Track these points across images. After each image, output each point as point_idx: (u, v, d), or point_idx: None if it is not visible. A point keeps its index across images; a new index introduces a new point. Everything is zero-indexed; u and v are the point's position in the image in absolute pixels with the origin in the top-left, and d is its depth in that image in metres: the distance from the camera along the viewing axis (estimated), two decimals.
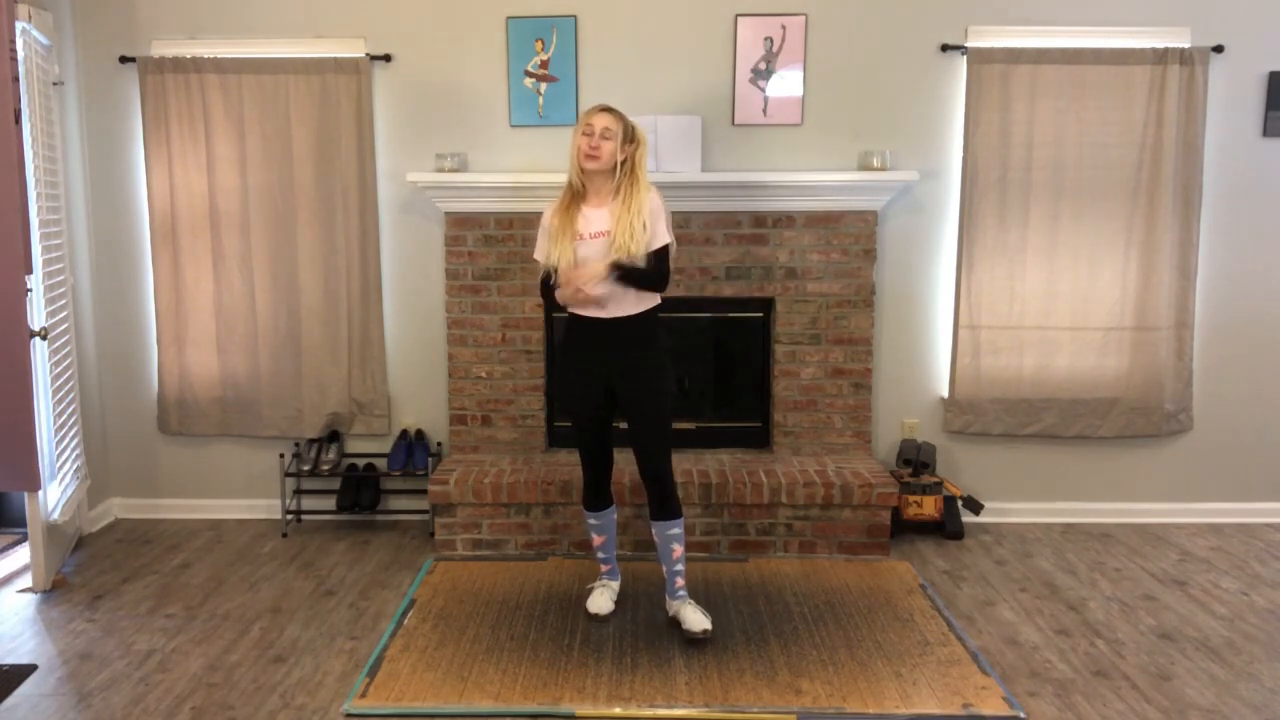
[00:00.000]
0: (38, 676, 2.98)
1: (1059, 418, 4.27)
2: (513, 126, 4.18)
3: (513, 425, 4.28)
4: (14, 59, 3.41)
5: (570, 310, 3.19)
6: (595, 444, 3.31)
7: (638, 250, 3.06)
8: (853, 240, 4.17)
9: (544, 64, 4.13)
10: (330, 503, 4.38)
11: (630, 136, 3.14)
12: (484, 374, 4.26)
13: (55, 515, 3.67)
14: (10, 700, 2.84)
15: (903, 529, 4.18)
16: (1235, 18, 4.09)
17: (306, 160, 4.15)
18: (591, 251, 3.11)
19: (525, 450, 4.28)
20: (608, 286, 3.08)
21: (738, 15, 4.09)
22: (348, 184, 4.17)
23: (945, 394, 4.33)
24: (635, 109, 4.05)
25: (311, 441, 4.33)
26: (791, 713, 2.77)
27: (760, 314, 4.29)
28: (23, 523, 3.83)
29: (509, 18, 4.10)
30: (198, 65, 4.09)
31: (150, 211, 4.19)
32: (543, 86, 4.14)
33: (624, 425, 3.24)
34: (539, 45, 4.11)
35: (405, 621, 3.33)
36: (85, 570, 3.82)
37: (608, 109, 3.14)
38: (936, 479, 4.21)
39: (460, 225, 4.17)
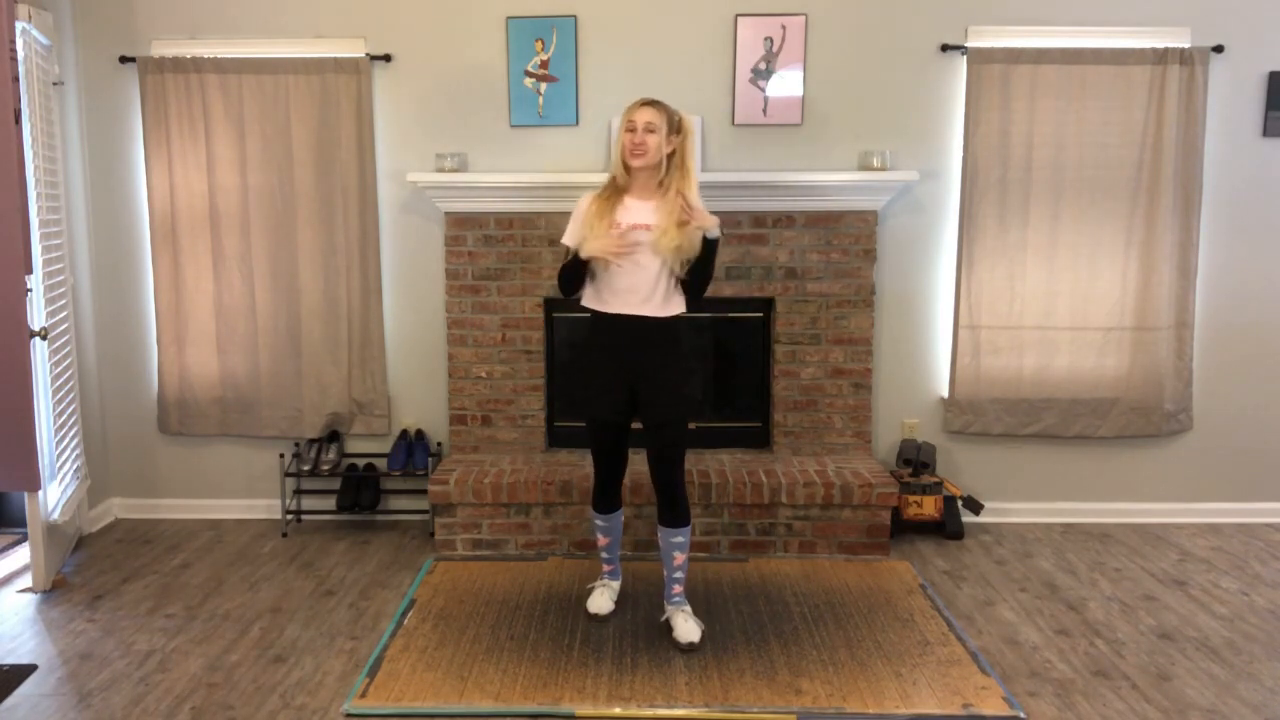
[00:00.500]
0: (38, 676, 2.98)
1: (1059, 418, 4.27)
2: (513, 127, 4.18)
3: (513, 425, 4.28)
4: (14, 59, 3.41)
5: (597, 308, 3.11)
6: (612, 446, 3.25)
7: (688, 247, 3.01)
8: (853, 240, 4.17)
9: (544, 64, 4.13)
10: (330, 503, 4.38)
11: (676, 127, 3.06)
12: (484, 374, 4.26)
13: (55, 515, 3.67)
14: (10, 700, 2.84)
15: (903, 529, 4.18)
16: (1235, 18, 4.09)
17: (306, 160, 4.15)
18: (634, 241, 3.01)
19: (525, 450, 4.28)
20: (655, 278, 3.02)
21: (738, 15, 4.09)
22: (348, 184, 4.17)
23: (945, 394, 4.33)
24: None
25: (311, 441, 4.33)
26: (791, 713, 2.77)
27: (760, 314, 4.29)
28: (23, 523, 3.83)
29: (509, 18, 4.10)
30: (198, 65, 4.09)
31: (150, 211, 4.19)
32: (543, 86, 4.14)
33: (636, 425, 3.19)
34: (539, 45, 4.11)
35: (405, 621, 3.33)
36: (85, 570, 3.82)
37: (650, 102, 3.05)
38: (936, 479, 4.21)
39: (460, 225, 4.17)
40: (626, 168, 3.07)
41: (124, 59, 4.13)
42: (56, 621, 3.36)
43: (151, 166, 4.16)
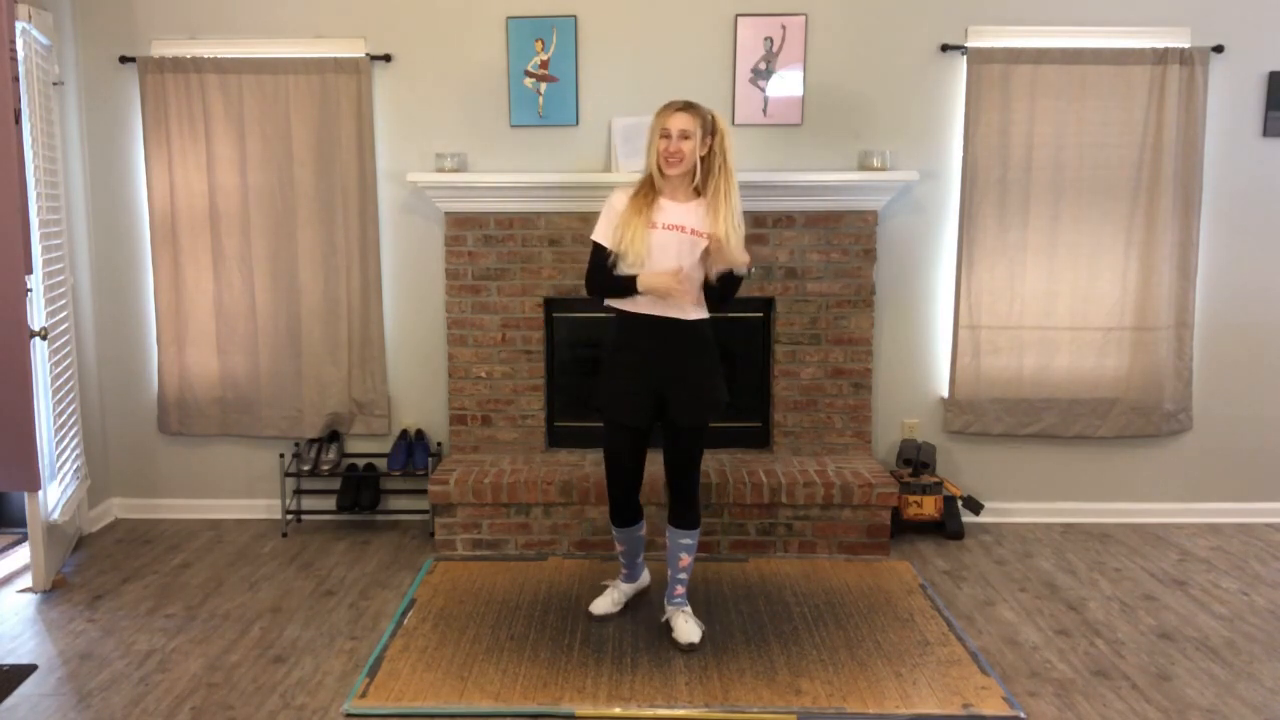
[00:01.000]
0: (38, 676, 2.98)
1: (1059, 418, 4.27)
2: (513, 126, 4.18)
3: (513, 425, 4.28)
4: (14, 59, 3.41)
5: (625, 309, 3.07)
6: (633, 454, 3.15)
7: (739, 243, 2.98)
8: (853, 240, 4.17)
9: (544, 64, 4.13)
10: (330, 503, 4.38)
11: (711, 128, 2.99)
12: (484, 374, 4.26)
13: (55, 515, 3.67)
14: (10, 700, 2.84)
15: (903, 529, 4.18)
16: (1235, 18, 4.09)
17: (306, 160, 4.15)
18: (664, 243, 2.99)
19: (525, 450, 4.28)
20: (687, 281, 2.99)
21: (738, 15, 4.09)
22: (348, 184, 4.17)
23: (945, 394, 4.33)
24: (635, 109, 4.07)
25: (311, 441, 4.33)
26: (791, 713, 2.77)
27: (760, 314, 4.29)
28: (23, 523, 3.83)
29: (509, 18, 4.10)
30: (198, 65, 4.09)
31: (150, 211, 4.19)
32: (543, 86, 4.14)
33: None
34: (539, 45, 4.11)
35: (405, 621, 3.33)
36: (85, 570, 3.82)
37: (683, 107, 2.98)
38: (936, 479, 4.21)
39: (460, 225, 4.17)
40: (661, 173, 3.01)
41: (124, 59, 4.13)
42: (56, 621, 3.36)
43: (151, 166, 4.16)
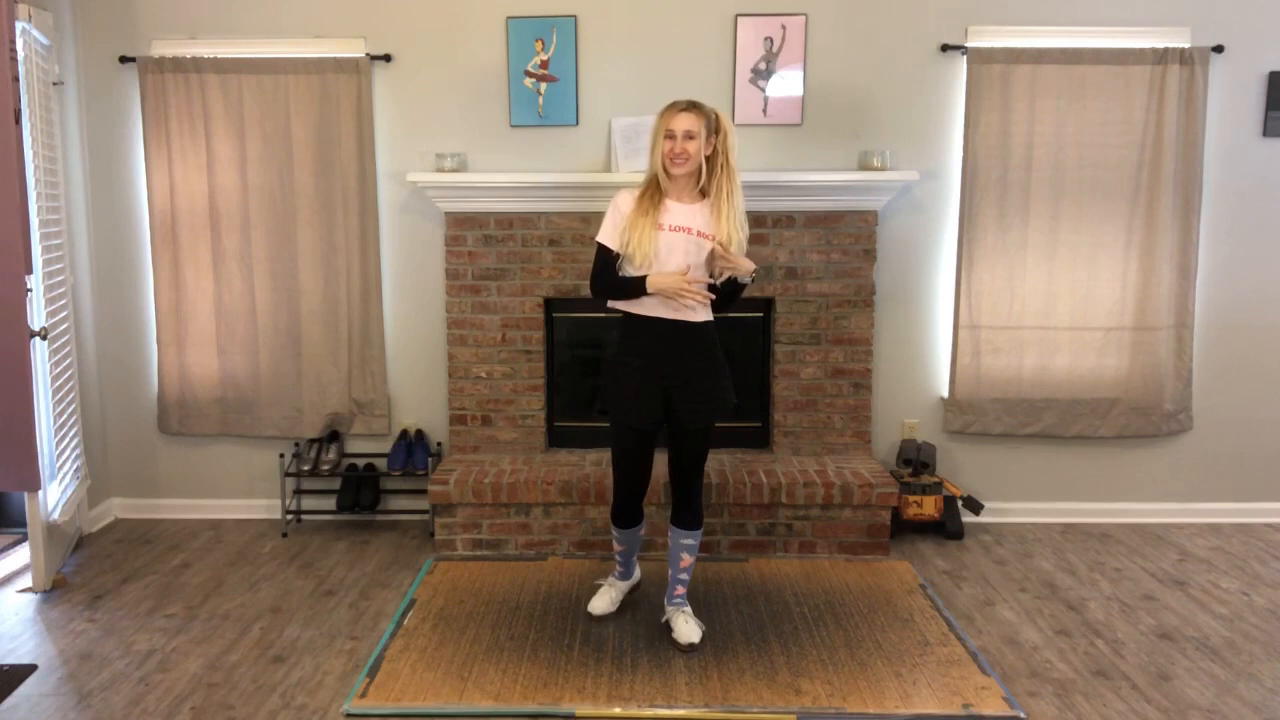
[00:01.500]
0: (38, 676, 2.98)
1: (1059, 418, 4.27)
2: (513, 126, 4.18)
3: (513, 425, 4.28)
4: (14, 59, 3.41)
5: (632, 311, 3.06)
6: (642, 456, 3.15)
7: (743, 248, 2.99)
8: (853, 240, 4.17)
9: (544, 64, 4.13)
10: (330, 503, 4.38)
11: (715, 127, 2.98)
12: (484, 374, 4.26)
13: (55, 515, 3.67)
14: (10, 700, 2.84)
15: (903, 529, 4.18)
16: (1235, 18, 4.09)
17: (306, 160, 4.15)
18: (671, 244, 2.98)
19: (525, 450, 4.28)
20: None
21: (738, 15, 4.09)
22: (348, 184, 4.17)
23: (945, 394, 4.33)
24: (635, 109, 4.07)
25: (311, 441, 4.33)
26: (791, 713, 2.77)
27: (760, 314, 4.29)
28: (23, 523, 3.84)
29: (509, 18, 4.10)
30: (198, 65, 4.09)
31: (150, 211, 4.19)
32: (543, 86, 4.14)
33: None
34: (539, 45, 4.11)
35: (405, 621, 3.33)
36: (85, 570, 3.82)
37: (688, 106, 2.96)
38: (936, 479, 4.21)
39: (460, 225, 4.17)
40: (666, 172, 3.00)
41: (124, 59, 4.13)
42: (56, 621, 3.36)
43: (151, 166, 4.16)
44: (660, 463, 3.37)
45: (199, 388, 4.30)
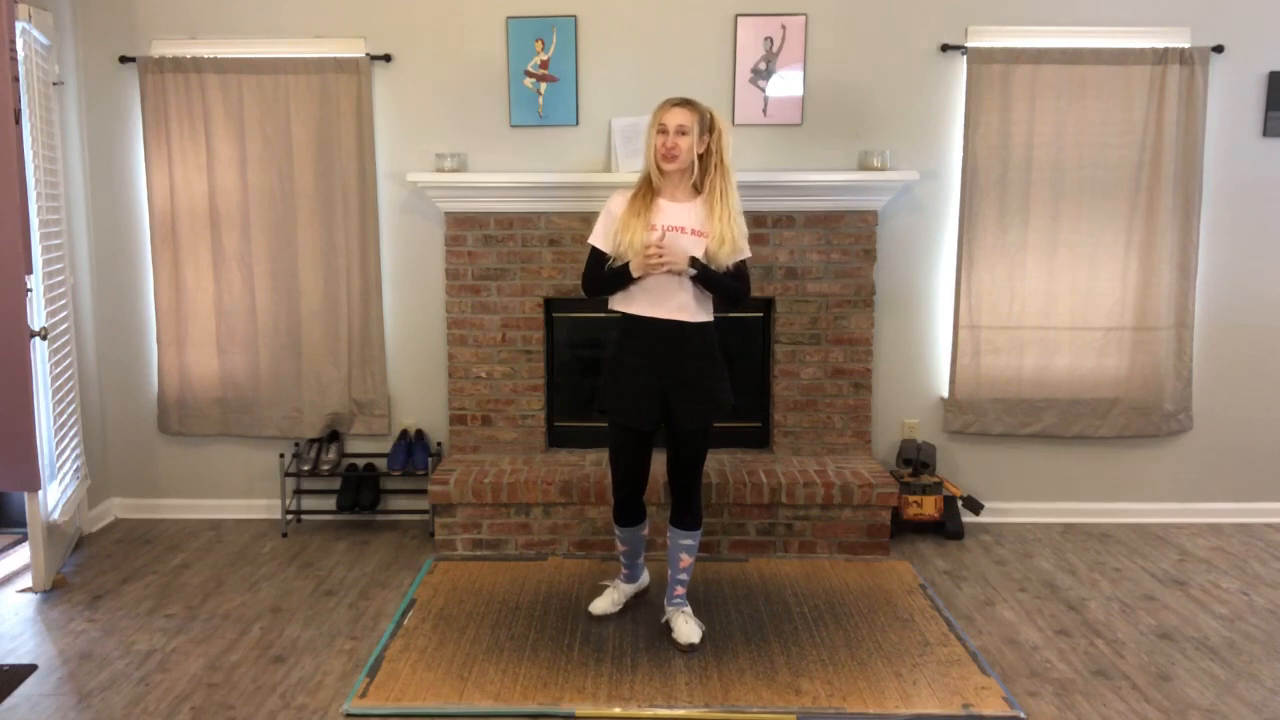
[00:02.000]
0: (38, 676, 2.98)
1: (1059, 418, 4.27)
2: (513, 126, 4.18)
3: (513, 425, 4.28)
4: (14, 59, 3.40)
5: (629, 312, 3.06)
6: (639, 455, 3.16)
7: (742, 246, 2.97)
8: (853, 240, 4.17)
9: (544, 64, 4.13)
10: (330, 503, 4.38)
11: (709, 126, 2.98)
12: (484, 374, 4.26)
13: (55, 515, 3.67)
14: (10, 700, 2.84)
15: (903, 529, 4.18)
16: (1235, 18, 4.09)
17: (306, 160, 4.15)
18: (666, 245, 2.96)
19: (525, 450, 4.28)
20: (687, 285, 2.99)
21: (738, 15, 4.09)
22: (348, 184, 4.17)
23: (945, 394, 4.33)
24: (635, 109, 4.07)
25: (311, 441, 4.33)
26: (791, 713, 2.77)
27: (760, 314, 4.29)
28: (23, 523, 3.83)
29: (509, 18, 4.10)
30: (198, 65, 4.09)
31: (150, 211, 4.19)
32: (543, 86, 4.14)
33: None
34: (539, 45, 4.11)
35: (405, 621, 3.33)
36: (85, 570, 3.82)
37: (681, 103, 2.97)
38: (936, 479, 4.21)
39: (460, 225, 4.17)
40: (659, 170, 3.00)
41: (124, 59, 4.13)
42: (56, 621, 3.36)
43: (151, 166, 4.16)
44: (659, 462, 3.37)
45: (199, 388, 4.30)
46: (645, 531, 3.33)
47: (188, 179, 4.17)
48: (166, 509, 4.43)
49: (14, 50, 3.42)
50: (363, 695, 2.85)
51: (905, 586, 3.63)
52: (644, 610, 3.40)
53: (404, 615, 3.38)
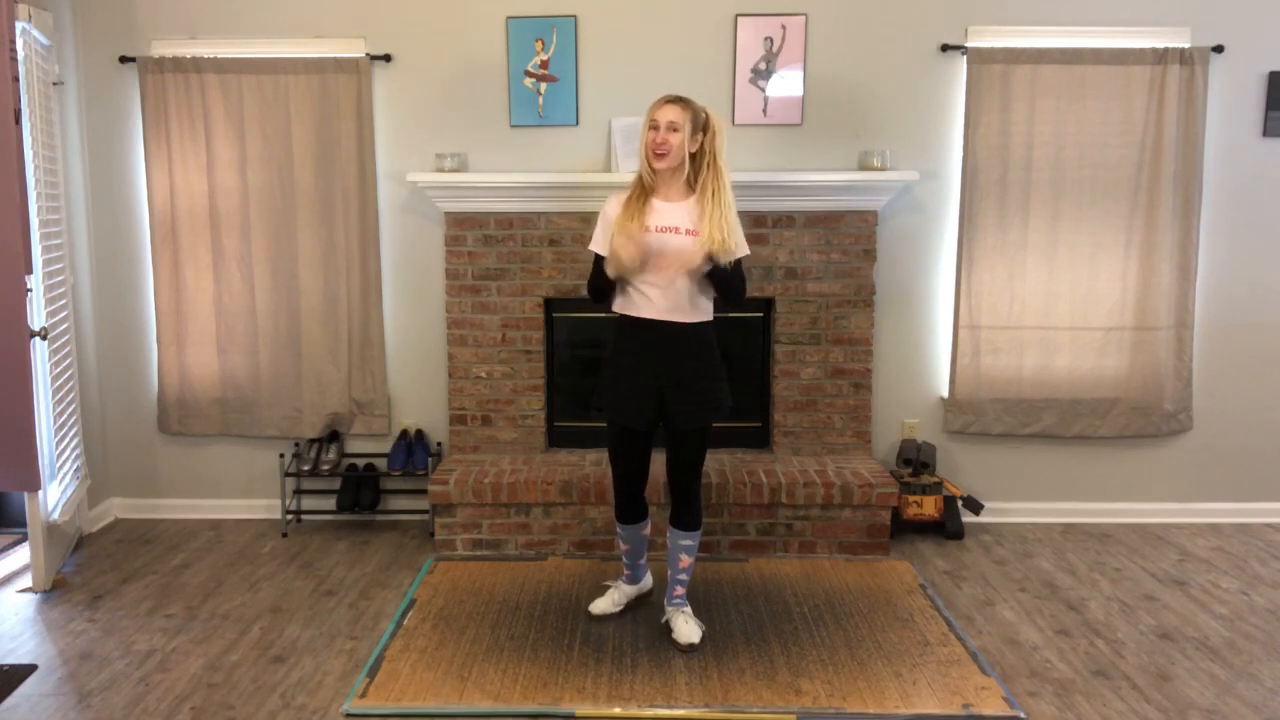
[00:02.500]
0: (38, 676, 2.98)
1: (1059, 418, 4.27)
2: (513, 126, 4.18)
3: (513, 425, 4.28)
4: (14, 59, 3.41)
5: (627, 312, 3.05)
6: (637, 454, 3.16)
7: (733, 248, 2.94)
8: (853, 240, 4.17)
9: (544, 64, 4.13)
10: (330, 503, 4.38)
11: (702, 124, 2.95)
12: (484, 374, 4.26)
13: (55, 515, 3.67)
14: (10, 700, 2.84)
15: (903, 529, 4.18)
16: (1235, 18, 4.09)
17: (306, 160, 4.15)
18: (660, 247, 2.95)
19: (525, 450, 4.28)
20: (685, 284, 2.98)
21: (738, 15, 4.09)
22: (348, 184, 4.17)
23: (945, 394, 4.33)
24: (635, 109, 4.06)
25: (311, 441, 4.33)
26: (791, 713, 2.77)
27: (760, 314, 4.29)
28: (23, 523, 3.83)
29: (509, 18, 4.10)
30: (198, 65, 4.09)
31: (150, 211, 4.19)
32: (543, 86, 4.14)
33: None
34: (539, 45, 4.11)
35: (405, 621, 3.33)
36: (85, 570, 3.82)
37: (673, 100, 2.95)
38: (936, 479, 4.21)
39: (460, 225, 4.17)
40: (652, 169, 2.98)
41: (124, 59, 4.13)
42: (56, 621, 3.36)
43: (151, 166, 4.16)
44: (660, 462, 3.37)
45: (199, 388, 4.30)
46: (647, 531, 3.32)
47: (188, 179, 4.17)
48: (166, 509, 4.43)
49: (14, 50, 3.42)
50: (363, 695, 2.85)
51: (905, 586, 3.63)
52: (644, 610, 3.40)
53: (404, 615, 3.38)
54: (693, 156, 2.98)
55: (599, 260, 3.08)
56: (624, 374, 3.09)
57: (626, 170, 4.05)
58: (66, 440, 3.85)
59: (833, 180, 4.04)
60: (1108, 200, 4.14)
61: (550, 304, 4.25)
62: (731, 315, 4.27)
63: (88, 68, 4.17)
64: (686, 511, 3.18)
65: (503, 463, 4.15)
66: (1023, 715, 2.76)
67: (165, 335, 4.26)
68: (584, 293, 3.25)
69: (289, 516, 4.33)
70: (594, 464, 4.11)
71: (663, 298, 3.00)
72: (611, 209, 3.05)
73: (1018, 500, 4.39)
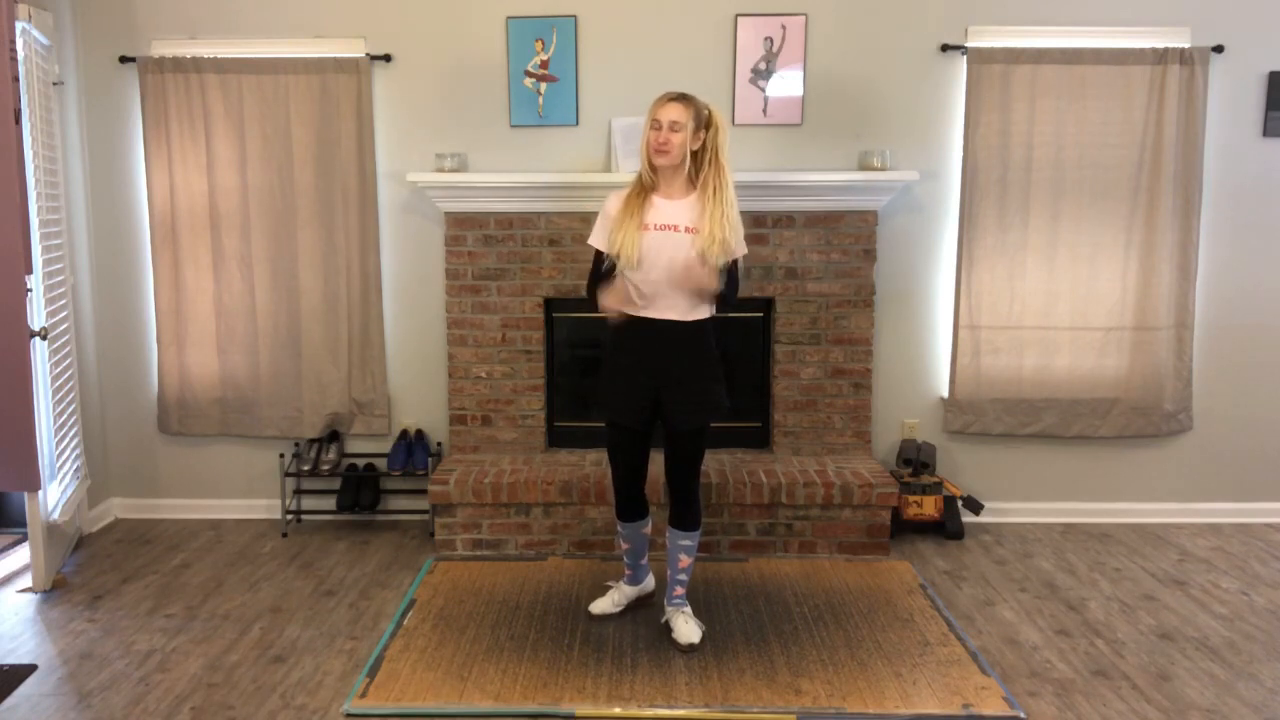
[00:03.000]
0: (38, 676, 2.98)
1: (1059, 418, 4.27)
2: (513, 126, 4.18)
3: (513, 425, 4.28)
4: (14, 59, 3.41)
5: (623, 312, 3.04)
6: (634, 452, 3.16)
7: (733, 246, 2.95)
8: (853, 240, 4.17)
9: (544, 64, 4.13)
10: (330, 503, 4.38)
11: (705, 122, 2.95)
12: (484, 374, 4.26)
13: (55, 515, 3.67)
14: (10, 700, 2.84)
15: (903, 529, 4.18)
16: (1235, 18, 4.09)
17: (306, 160, 4.15)
18: (658, 244, 2.95)
19: (525, 450, 4.28)
20: (680, 291, 2.98)
21: (738, 15, 4.09)
22: (348, 184, 4.17)
23: (945, 394, 4.33)
24: (635, 109, 4.06)
25: (311, 441, 4.33)
26: (791, 713, 2.77)
27: (760, 314, 4.28)
28: (23, 523, 3.83)
29: (509, 18, 4.10)
30: (198, 65, 4.09)
31: (150, 211, 4.19)
32: (543, 86, 4.14)
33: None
34: (539, 45, 4.11)
35: (405, 621, 3.33)
36: (85, 570, 3.82)
37: (675, 98, 2.95)
38: (936, 479, 4.21)
39: (460, 225, 4.17)
40: (653, 166, 2.98)
41: (124, 59, 4.13)
42: (56, 621, 3.36)
43: (151, 166, 4.16)
44: (658, 461, 3.37)
45: (199, 388, 4.29)
46: (648, 530, 3.32)
47: (188, 179, 4.16)
48: (166, 509, 4.43)
49: (14, 50, 3.42)
50: (363, 695, 2.85)
51: (905, 586, 3.63)
52: (644, 610, 3.40)
53: (404, 615, 3.38)
54: (695, 154, 2.98)
55: (598, 256, 3.10)
56: (621, 373, 3.10)
57: (627, 170, 4.05)
58: (66, 440, 3.85)
59: (833, 180, 4.04)
60: (1108, 200, 4.14)
61: (550, 304, 4.25)
62: (731, 315, 4.27)
63: (88, 68, 4.17)
64: (686, 511, 3.18)
65: (503, 463, 4.15)
66: (1023, 715, 2.76)
67: (165, 335, 4.26)
68: (584, 293, 3.24)
69: (289, 516, 4.33)
70: (594, 464, 4.11)
71: (662, 296, 3.00)
72: (612, 205, 3.05)
73: (1018, 500, 4.39)
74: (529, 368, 4.25)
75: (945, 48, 4.12)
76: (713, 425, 3.17)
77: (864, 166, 4.10)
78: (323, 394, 4.29)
